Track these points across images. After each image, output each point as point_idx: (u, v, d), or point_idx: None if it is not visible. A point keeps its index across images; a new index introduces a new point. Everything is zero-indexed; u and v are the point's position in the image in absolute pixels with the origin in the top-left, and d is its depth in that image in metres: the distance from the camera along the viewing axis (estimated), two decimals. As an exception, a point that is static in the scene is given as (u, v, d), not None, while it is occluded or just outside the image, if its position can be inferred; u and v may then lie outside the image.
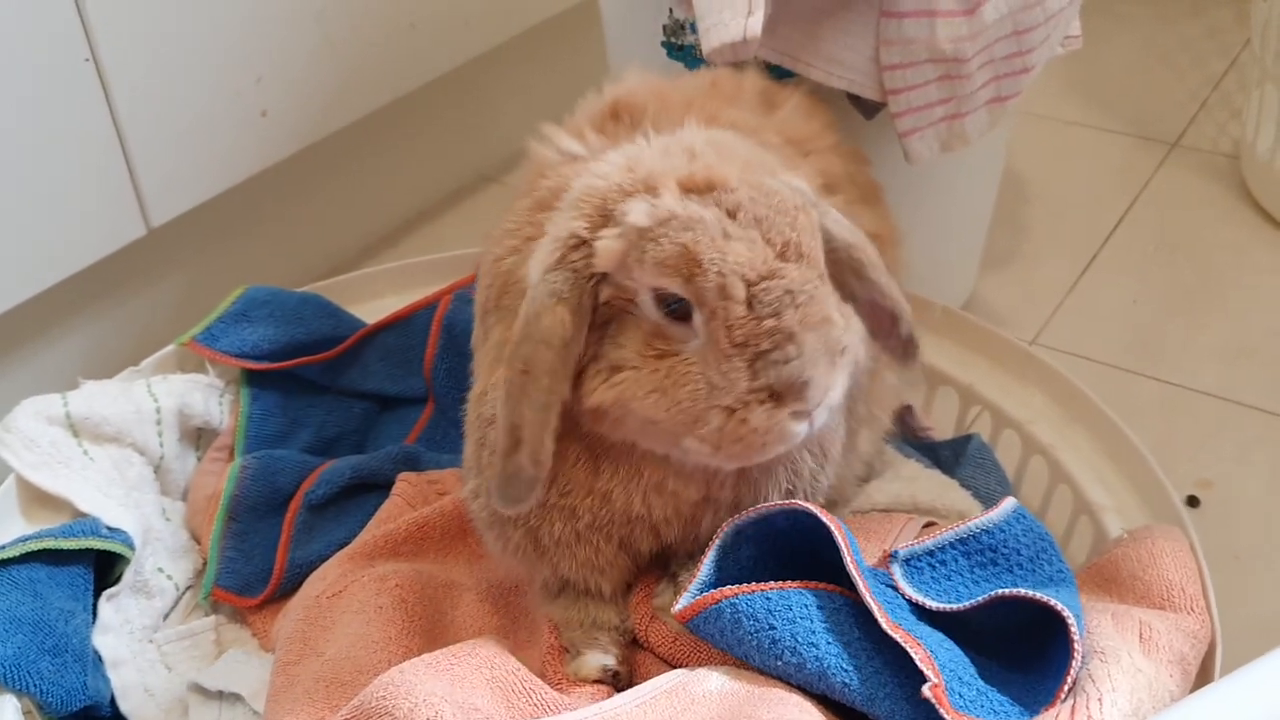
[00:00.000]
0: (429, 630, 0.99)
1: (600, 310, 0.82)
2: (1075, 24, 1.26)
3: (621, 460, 0.87)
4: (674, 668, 0.91)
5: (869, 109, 1.18)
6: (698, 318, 0.79)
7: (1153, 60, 2.08)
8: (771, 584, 0.85)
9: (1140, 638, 0.86)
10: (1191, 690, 0.87)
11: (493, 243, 0.94)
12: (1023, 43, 1.14)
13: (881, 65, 1.13)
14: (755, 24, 1.03)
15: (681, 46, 1.26)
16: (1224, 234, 1.66)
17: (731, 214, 0.79)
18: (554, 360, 0.80)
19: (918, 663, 0.78)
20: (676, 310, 0.79)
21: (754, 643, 0.83)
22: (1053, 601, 0.81)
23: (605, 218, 0.81)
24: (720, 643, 0.86)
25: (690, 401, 0.79)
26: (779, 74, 1.17)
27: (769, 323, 0.78)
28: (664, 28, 1.26)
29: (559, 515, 0.89)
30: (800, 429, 0.80)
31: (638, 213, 0.79)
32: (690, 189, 0.80)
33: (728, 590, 0.85)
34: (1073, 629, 0.80)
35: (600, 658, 0.92)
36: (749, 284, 0.78)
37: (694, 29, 1.20)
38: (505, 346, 0.84)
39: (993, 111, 1.20)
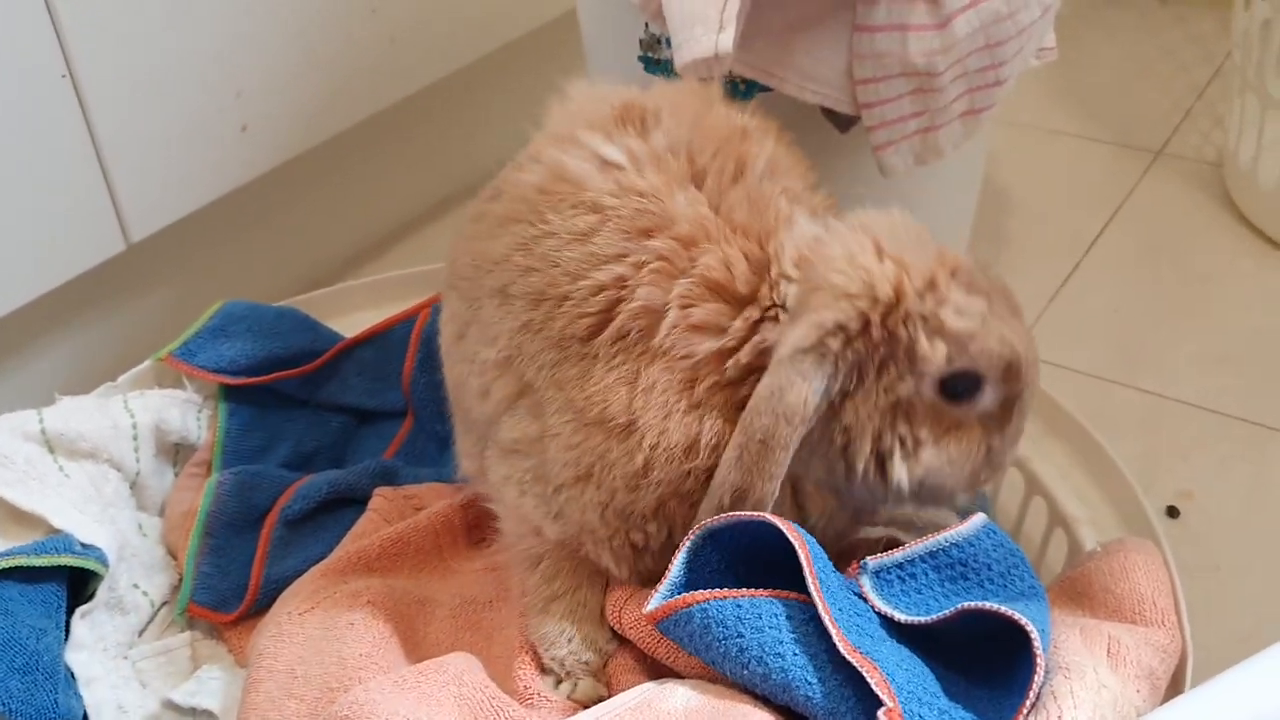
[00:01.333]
0: (402, 647, 0.98)
1: (879, 394, 0.88)
2: (1050, 36, 1.26)
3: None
4: (647, 656, 0.92)
5: (843, 123, 1.19)
6: (990, 394, 0.89)
7: (1136, 69, 2.09)
8: (743, 591, 0.85)
9: (1108, 652, 0.86)
10: (1161, 704, 0.87)
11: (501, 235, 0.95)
12: (995, 56, 1.14)
13: (855, 79, 1.14)
14: (727, 40, 1.04)
15: (659, 60, 1.27)
16: (1207, 243, 1.66)
17: (986, 296, 0.89)
18: (791, 436, 0.85)
19: (873, 686, 0.78)
20: (965, 390, 0.89)
21: (721, 649, 0.83)
22: (1016, 615, 0.81)
23: (885, 311, 0.86)
24: (689, 646, 0.86)
25: (975, 465, 0.91)
26: (753, 87, 1.17)
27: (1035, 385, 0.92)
28: (641, 42, 1.26)
29: None
30: None
31: (952, 317, 0.87)
32: (954, 277, 0.88)
33: (699, 595, 0.85)
34: (1035, 644, 0.80)
35: (597, 686, 0.95)
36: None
37: (669, 44, 1.20)
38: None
39: (967, 124, 1.20)
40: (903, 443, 0.89)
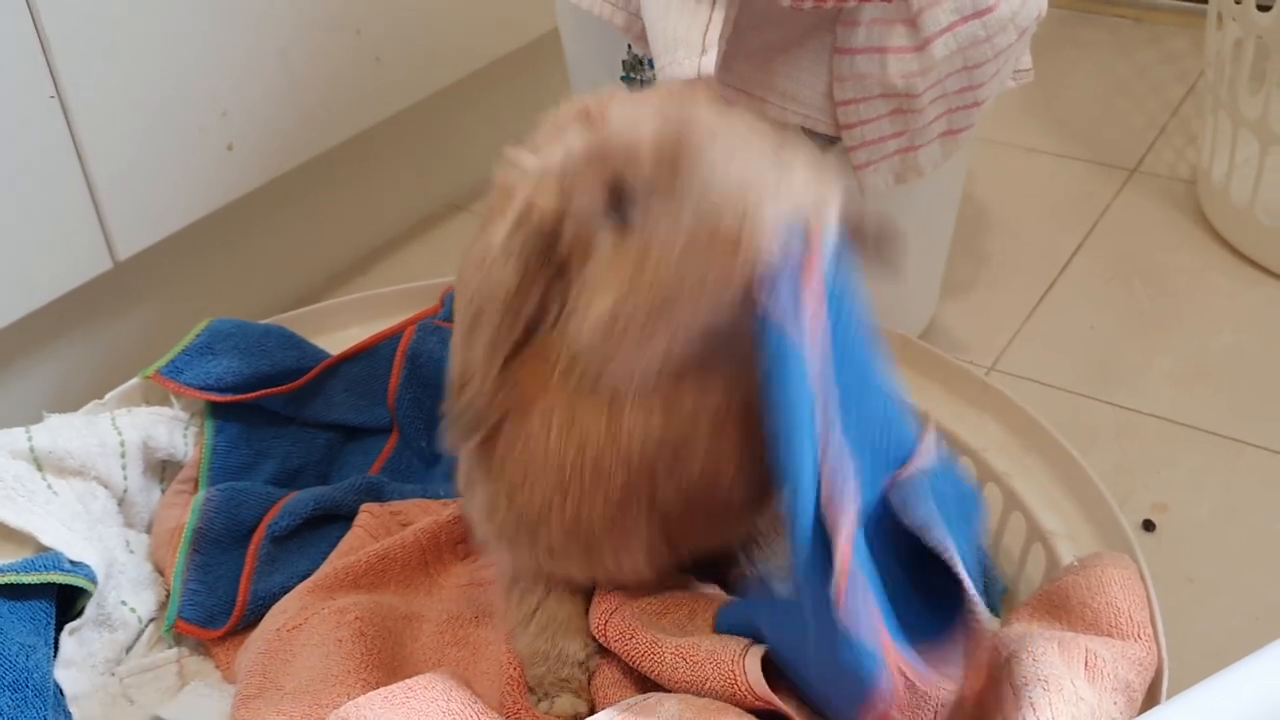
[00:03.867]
0: (389, 663, 0.99)
1: None
2: (1026, 58, 1.28)
3: None
4: (633, 670, 0.93)
5: (824, 143, 1.21)
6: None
7: (1112, 87, 2.12)
8: None
9: (1086, 665, 0.88)
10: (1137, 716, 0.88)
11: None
12: (973, 77, 1.16)
13: (835, 100, 1.16)
14: (709, 63, 1.06)
15: (641, 82, 1.28)
16: (1181, 259, 1.69)
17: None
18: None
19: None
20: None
21: None
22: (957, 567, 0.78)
23: None
24: None
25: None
26: (735, 109, 1.19)
27: None
28: (623, 64, 1.28)
29: None
30: None
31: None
32: None
33: None
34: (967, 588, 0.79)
35: (575, 702, 0.95)
36: None
37: (652, 65, 1.22)
38: None
39: (945, 144, 1.22)
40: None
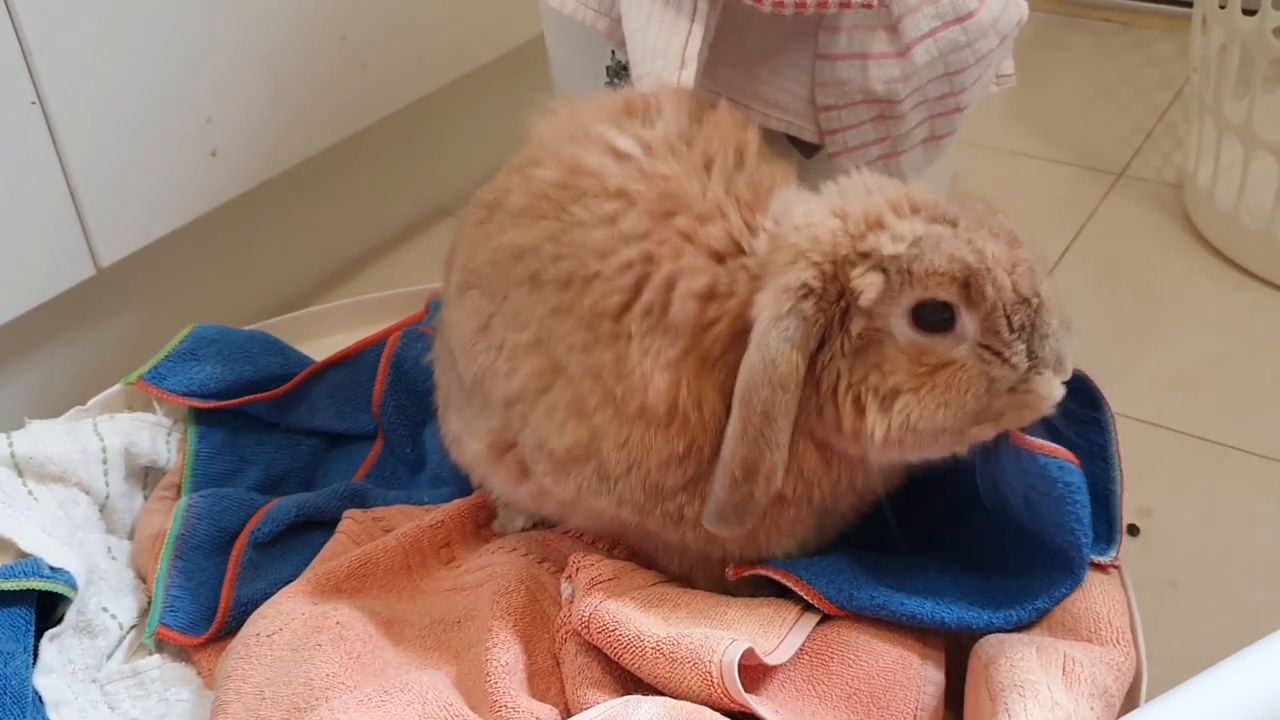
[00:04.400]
0: (369, 668, 0.99)
1: (848, 343, 0.88)
2: (1008, 63, 1.28)
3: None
4: (613, 670, 0.94)
5: (808, 149, 1.21)
6: (967, 320, 0.87)
7: (1098, 91, 2.12)
8: None
9: (1063, 671, 0.88)
10: (1115, 721, 0.89)
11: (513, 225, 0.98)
12: (955, 83, 1.16)
13: (817, 107, 1.16)
14: (688, 77, 1.06)
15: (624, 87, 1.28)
16: (1167, 263, 1.69)
17: (953, 224, 0.87)
18: (790, 403, 0.87)
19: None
20: (939, 322, 0.87)
21: None
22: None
23: (835, 264, 0.87)
24: None
25: (975, 400, 0.87)
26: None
27: (1034, 301, 0.87)
28: (607, 69, 1.28)
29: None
30: (1062, 393, 0.91)
31: (887, 244, 0.86)
32: (906, 214, 0.88)
33: None
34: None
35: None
36: (1010, 273, 0.86)
37: (638, 71, 1.22)
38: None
39: (928, 149, 1.22)
40: (875, 391, 0.88)
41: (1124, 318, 1.60)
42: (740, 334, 0.89)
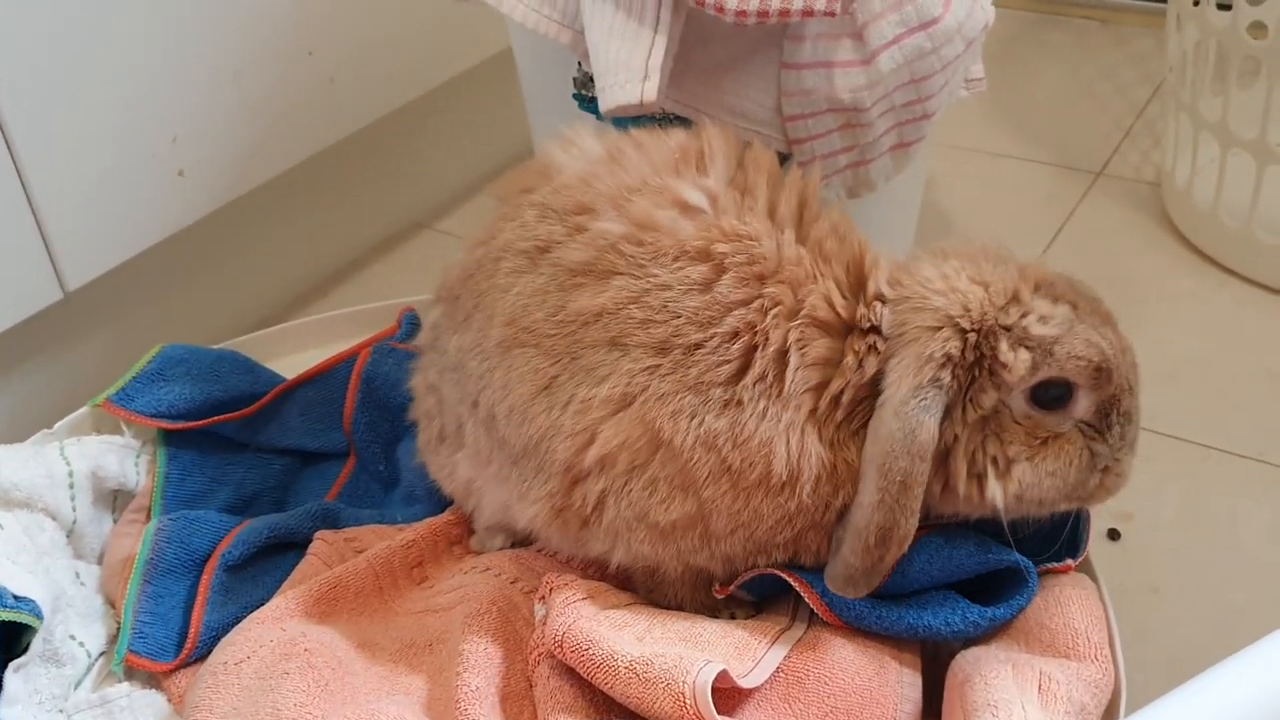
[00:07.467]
0: (336, 696, 0.98)
1: (971, 411, 0.92)
2: (977, 67, 1.27)
3: None
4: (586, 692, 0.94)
5: (777, 158, 1.20)
6: (1084, 401, 0.92)
7: (1077, 90, 2.11)
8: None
9: (1039, 689, 0.87)
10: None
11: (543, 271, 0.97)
12: (921, 90, 1.16)
13: (784, 116, 1.15)
14: (651, 89, 1.05)
15: (592, 98, 1.27)
16: (1146, 261, 1.68)
17: (1074, 305, 0.92)
18: (926, 471, 0.89)
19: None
20: (1055, 399, 0.91)
21: None
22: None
23: (979, 334, 0.90)
24: None
25: (1078, 474, 0.93)
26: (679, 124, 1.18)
27: (1135, 390, 0.94)
28: (574, 80, 1.27)
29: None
30: None
31: (1035, 324, 0.90)
32: (1036, 290, 0.92)
33: None
34: None
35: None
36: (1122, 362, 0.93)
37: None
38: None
39: (897, 157, 1.21)
40: (995, 461, 0.92)
41: (1103, 319, 1.59)
42: (861, 400, 0.92)
